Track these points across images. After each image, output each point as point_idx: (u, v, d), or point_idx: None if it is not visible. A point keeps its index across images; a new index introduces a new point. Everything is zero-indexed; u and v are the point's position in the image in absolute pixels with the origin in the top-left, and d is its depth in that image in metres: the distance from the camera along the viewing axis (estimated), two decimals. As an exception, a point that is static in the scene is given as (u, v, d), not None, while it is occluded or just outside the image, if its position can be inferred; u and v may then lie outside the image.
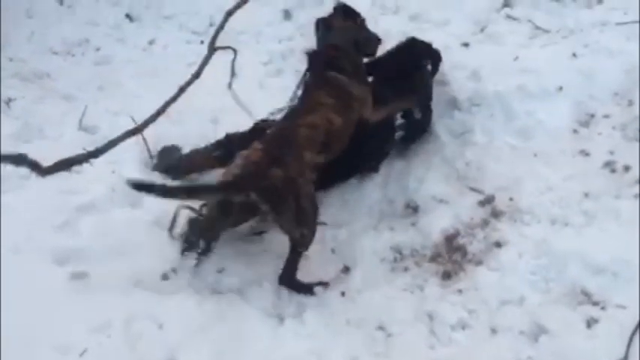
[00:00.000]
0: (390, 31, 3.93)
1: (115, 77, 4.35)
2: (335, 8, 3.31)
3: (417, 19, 4.07)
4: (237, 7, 3.40)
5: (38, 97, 4.01)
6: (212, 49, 3.08)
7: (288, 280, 2.76)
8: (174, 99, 2.87)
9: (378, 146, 3.20)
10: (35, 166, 2.26)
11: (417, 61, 3.39)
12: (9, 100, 3.91)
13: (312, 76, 3.09)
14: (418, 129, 3.31)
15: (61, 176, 3.07)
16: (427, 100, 3.35)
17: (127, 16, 5.16)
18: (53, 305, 2.58)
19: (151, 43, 4.84)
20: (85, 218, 3.01)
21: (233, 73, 3.25)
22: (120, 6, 5.16)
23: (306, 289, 2.76)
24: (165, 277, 2.85)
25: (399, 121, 3.30)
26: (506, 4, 3.97)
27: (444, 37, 3.79)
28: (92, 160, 2.63)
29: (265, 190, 2.62)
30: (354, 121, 2.97)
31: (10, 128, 3.53)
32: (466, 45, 3.76)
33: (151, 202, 3.08)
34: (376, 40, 3.33)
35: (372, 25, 3.99)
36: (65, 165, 2.47)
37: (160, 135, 3.38)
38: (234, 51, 3.30)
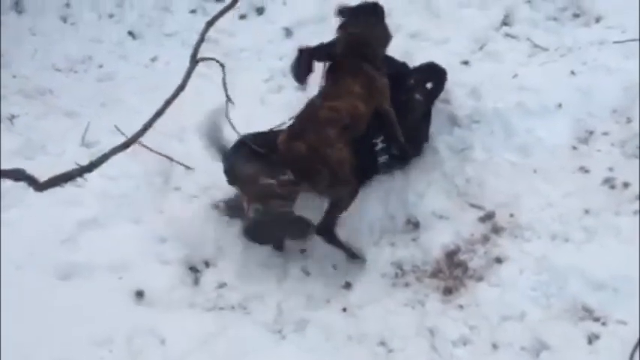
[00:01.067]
0: (390, 50, 3.97)
1: (118, 94, 4.38)
2: (365, 3, 3.36)
3: (417, 37, 4.10)
4: (217, 17, 3.42)
5: (41, 113, 4.03)
6: (194, 60, 3.11)
7: (327, 232, 2.87)
8: (160, 112, 2.89)
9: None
10: (32, 181, 2.27)
11: (406, 91, 3.37)
12: (12, 117, 3.94)
13: (347, 62, 3.13)
14: (398, 159, 3.29)
15: (63, 191, 3.11)
16: (415, 130, 3.31)
17: (130, 33, 5.21)
18: (55, 320, 2.59)
19: (153, 60, 4.88)
20: (87, 233, 3.02)
21: (226, 91, 3.28)
22: (122, 24, 5.21)
23: (342, 246, 2.88)
24: (167, 292, 2.85)
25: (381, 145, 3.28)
26: (505, 23, 4.01)
27: (443, 55, 3.82)
28: (87, 175, 2.64)
29: (292, 162, 2.79)
30: (372, 109, 3.10)
31: (12, 144, 3.55)
32: (466, 63, 3.79)
33: (153, 216, 3.12)
34: (390, 38, 3.39)
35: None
36: (60, 180, 2.47)
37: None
38: (222, 65, 3.36)
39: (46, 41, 5.07)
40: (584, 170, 3.04)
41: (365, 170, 3.17)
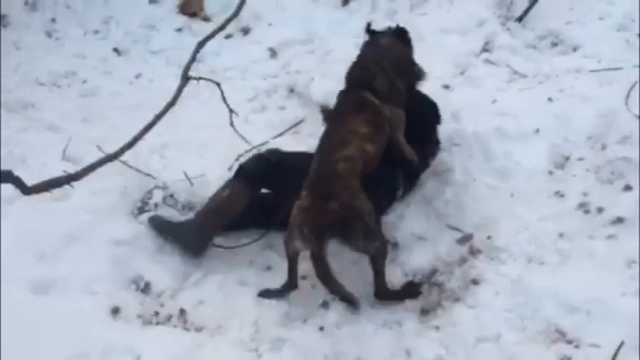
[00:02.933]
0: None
1: (100, 109, 4.38)
2: (390, 28, 3.32)
3: (400, 60, 4.17)
4: (208, 38, 3.51)
5: (22, 127, 4.01)
6: (185, 78, 3.18)
7: (385, 293, 2.82)
8: (150, 126, 2.95)
9: None
10: (20, 184, 2.27)
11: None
12: (-7, 130, 3.91)
13: (347, 97, 3.06)
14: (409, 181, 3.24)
15: (43, 206, 3.11)
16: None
17: (115, 50, 5.23)
18: (29, 335, 2.55)
19: (137, 76, 4.90)
20: (65, 248, 3.00)
21: (229, 108, 3.37)
22: (108, 40, 5.23)
23: (404, 294, 2.84)
24: (143, 309, 2.84)
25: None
26: (485, 49, 4.11)
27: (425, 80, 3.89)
28: (74, 184, 2.66)
29: (330, 226, 2.70)
30: (385, 141, 3.00)
31: (-7, 158, 3.52)
32: (447, 87, 3.87)
33: (131, 233, 3.11)
34: (420, 72, 3.28)
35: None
36: (48, 186, 2.49)
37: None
38: (217, 83, 3.40)
39: (31, 55, 5.07)
40: (559, 195, 3.10)
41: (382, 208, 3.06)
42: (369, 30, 3.29)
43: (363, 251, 2.79)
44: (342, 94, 3.12)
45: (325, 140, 2.95)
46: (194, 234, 3.02)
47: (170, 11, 5.46)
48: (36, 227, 3.00)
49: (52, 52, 5.16)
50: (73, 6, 5.50)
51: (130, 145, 2.87)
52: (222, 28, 3.68)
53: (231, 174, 3.18)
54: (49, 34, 5.37)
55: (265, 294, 2.89)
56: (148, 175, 3.47)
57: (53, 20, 5.46)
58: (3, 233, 2.92)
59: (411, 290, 2.87)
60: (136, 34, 5.28)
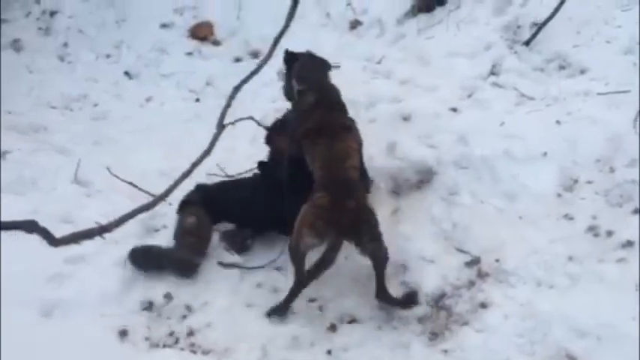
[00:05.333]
0: (381, 95, 4.06)
1: (111, 132, 4.44)
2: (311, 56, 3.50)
3: (408, 83, 4.19)
4: (244, 82, 3.53)
5: (33, 149, 4.07)
6: (221, 126, 3.21)
7: (384, 294, 2.90)
8: (186, 175, 2.98)
9: None
10: (47, 235, 2.26)
11: None
12: (5, 153, 3.97)
13: (337, 120, 3.21)
14: None
15: (53, 226, 3.12)
16: None
17: (126, 73, 5.32)
18: (37, 357, 2.55)
19: (148, 100, 4.97)
20: (74, 270, 3.01)
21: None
22: (119, 64, 5.33)
23: (403, 301, 2.91)
24: (151, 331, 2.84)
25: None
26: (492, 72, 4.12)
27: (433, 102, 3.91)
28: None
29: (347, 223, 2.86)
30: None
31: (3, 180, 3.57)
32: (454, 110, 3.86)
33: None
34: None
35: (363, 88, 4.16)
36: (78, 237, 2.50)
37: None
38: (255, 120, 3.55)
39: (43, 79, 5.17)
40: (568, 217, 3.08)
41: None
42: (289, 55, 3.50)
43: (368, 252, 2.91)
44: (311, 114, 3.21)
45: (326, 153, 3.07)
46: (184, 253, 3.09)
47: (181, 35, 5.56)
48: (44, 250, 2.99)
49: (64, 75, 5.26)
50: (85, 31, 5.62)
51: (166, 194, 2.87)
52: (256, 72, 3.67)
53: None
54: (61, 58, 5.48)
55: (272, 312, 2.90)
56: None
57: (66, 45, 5.57)
58: (13, 256, 2.94)
59: (408, 299, 2.92)
60: (147, 57, 5.37)
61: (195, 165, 3.02)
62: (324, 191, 2.92)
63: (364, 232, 2.88)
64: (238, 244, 3.27)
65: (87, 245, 3.05)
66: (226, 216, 3.34)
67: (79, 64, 5.36)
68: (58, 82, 5.15)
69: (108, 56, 5.48)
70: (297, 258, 2.90)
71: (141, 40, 5.47)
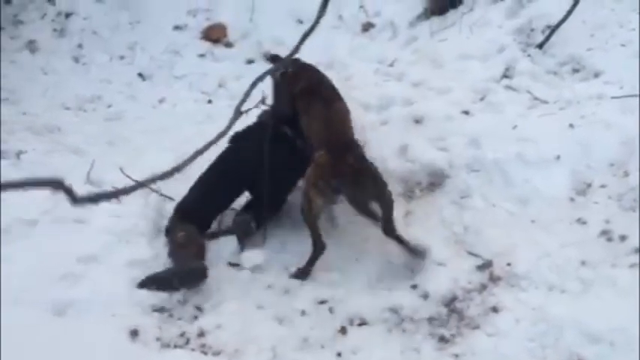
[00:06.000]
0: (393, 97, 4.06)
1: (125, 133, 4.46)
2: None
3: (420, 85, 4.19)
4: (265, 74, 3.50)
5: (48, 150, 4.09)
6: (238, 112, 3.17)
7: (392, 232, 3.10)
8: (200, 152, 2.90)
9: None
10: (70, 193, 2.29)
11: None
12: (19, 153, 4.00)
13: (328, 91, 3.40)
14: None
15: (64, 227, 3.16)
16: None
17: (140, 75, 5.35)
18: (49, 357, 2.57)
19: (161, 101, 4.99)
20: (86, 270, 3.02)
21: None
22: (133, 65, 5.36)
23: (405, 243, 3.09)
24: (162, 332, 2.85)
25: None
26: (505, 75, 4.10)
27: (445, 105, 3.90)
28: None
29: (347, 176, 3.04)
30: None
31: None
32: (466, 113, 3.86)
33: (150, 255, 3.14)
34: None
35: (375, 91, 4.16)
36: (98, 198, 2.47)
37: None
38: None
39: (58, 80, 5.20)
40: (581, 222, 3.06)
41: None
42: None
43: (375, 197, 3.10)
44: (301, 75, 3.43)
45: (324, 113, 3.23)
46: (188, 264, 3.04)
47: (194, 37, 5.58)
48: (57, 249, 3.03)
49: (78, 76, 5.29)
50: (99, 32, 5.65)
51: (184, 165, 2.80)
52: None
53: None
54: (76, 60, 5.52)
55: (295, 276, 3.06)
56: (169, 198, 3.50)
57: (80, 46, 5.61)
58: (25, 255, 2.96)
59: (416, 248, 3.07)
60: (161, 59, 5.39)
61: (209, 144, 2.98)
62: (324, 149, 3.06)
63: (366, 182, 3.05)
64: (242, 228, 3.25)
65: (98, 245, 3.11)
66: (211, 214, 3.34)
67: (93, 65, 5.39)
68: (73, 84, 5.18)
69: (122, 58, 5.50)
70: (311, 221, 3.03)
71: (154, 41, 5.49)
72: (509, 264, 2.95)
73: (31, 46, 5.60)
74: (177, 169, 2.65)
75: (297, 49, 2.97)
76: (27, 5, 5.94)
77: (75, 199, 2.20)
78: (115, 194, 2.52)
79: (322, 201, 3.02)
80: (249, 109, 3.25)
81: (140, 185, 2.58)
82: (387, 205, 3.07)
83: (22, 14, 5.87)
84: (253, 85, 3.29)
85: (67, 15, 5.83)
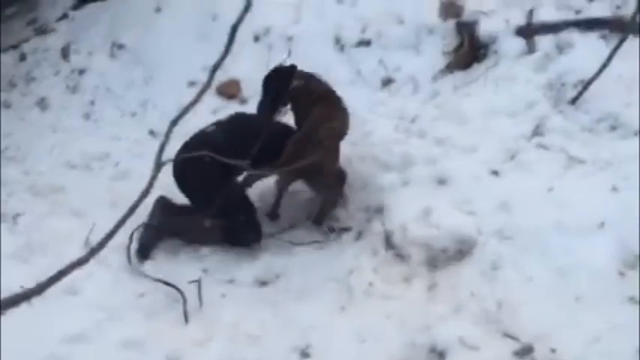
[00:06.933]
0: (415, 156, 3.81)
1: (130, 193, 4.20)
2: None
3: (444, 143, 3.96)
4: (182, 115, 3.24)
5: (47, 212, 3.93)
6: (158, 165, 2.89)
7: (320, 223, 3.64)
8: (126, 217, 2.65)
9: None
10: None
11: None
12: (16, 215, 3.83)
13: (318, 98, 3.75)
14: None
15: (53, 302, 2.88)
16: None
17: (151, 132, 5.18)
18: None
19: (170, 159, 4.79)
20: (75, 349, 2.75)
21: None
22: (144, 122, 5.21)
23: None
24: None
25: None
26: (536, 133, 3.83)
27: (471, 164, 3.65)
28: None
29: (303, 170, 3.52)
30: None
31: (11, 246, 3.39)
32: (495, 173, 3.60)
33: (146, 335, 2.85)
34: None
35: (396, 148, 3.92)
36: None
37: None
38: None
39: (66, 138, 5.10)
40: (633, 300, 2.71)
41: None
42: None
43: (317, 187, 3.65)
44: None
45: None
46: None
47: (208, 93, 5.39)
48: (44, 326, 2.76)
49: (88, 134, 5.19)
50: (112, 89, 5.57)
51: (100, 248, 2.51)
52: (194, 103, 3.45)
53: None
54: (86, 116, 5.42)
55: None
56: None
57: (92, 103, 5.52)
58: (9, 334, 2.68)
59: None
60: (172, 115, 5.20)
61: (133, 208, 2.69)
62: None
63: (313, 170, 3.52)
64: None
65: (88, 322, 2.84)
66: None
67: (103, 122, 5.28)
68: (81, 141, 5.05)
69: (133, 114, 5.37)
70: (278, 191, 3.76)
71: (167, 98, 5.35)
72: (553, 350, 2.60)
73: (42, 103, 5.55)
74: (98, 249, 2.40)
75: (208, 84, 2.75)
76: (41, 62, 5.93)
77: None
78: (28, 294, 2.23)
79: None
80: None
81: (50, 283, 2.29)
82: (327, 201, 3.56)
83: (36, 71, 5.86)
84: (170, 127, 2.99)
85: (81, 72, 5.78)
